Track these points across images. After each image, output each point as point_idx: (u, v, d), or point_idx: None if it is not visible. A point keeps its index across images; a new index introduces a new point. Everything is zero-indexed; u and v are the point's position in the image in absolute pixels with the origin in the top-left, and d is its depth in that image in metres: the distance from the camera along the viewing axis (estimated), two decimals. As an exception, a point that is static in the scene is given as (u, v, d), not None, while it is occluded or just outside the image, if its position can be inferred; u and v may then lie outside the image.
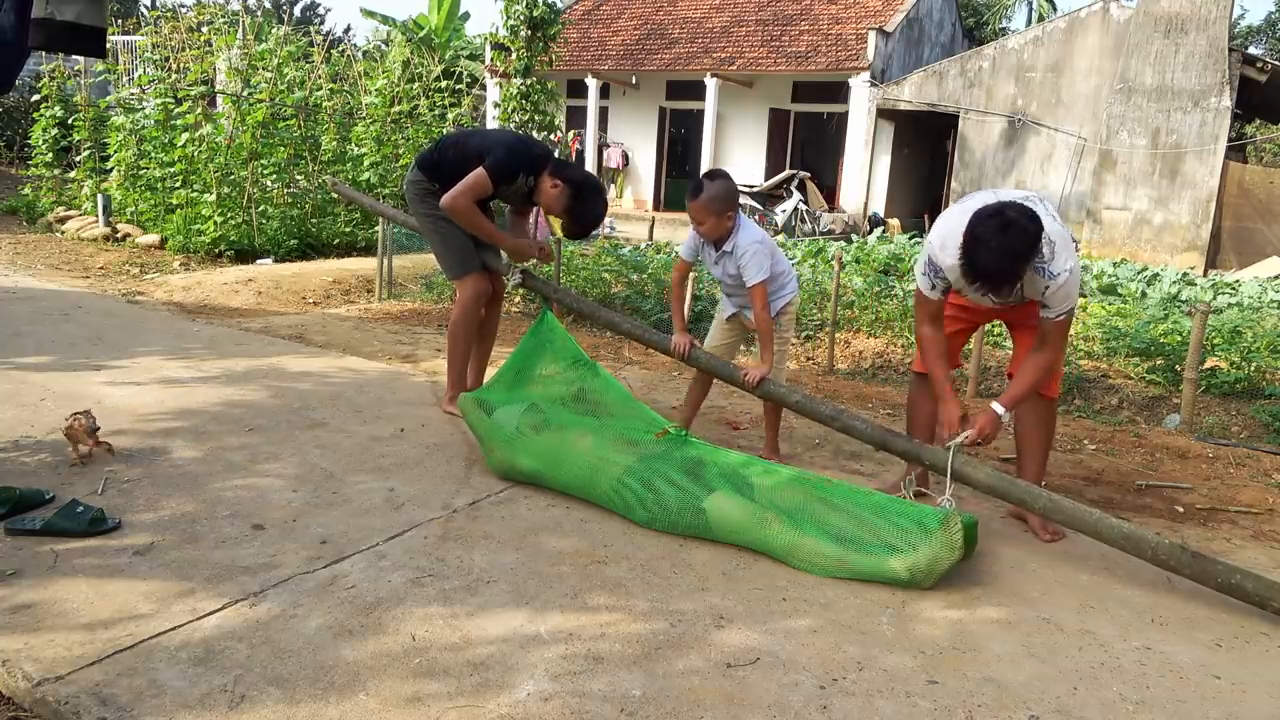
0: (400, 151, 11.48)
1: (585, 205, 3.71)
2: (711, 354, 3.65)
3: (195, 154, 9.49)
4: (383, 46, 24.82)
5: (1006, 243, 2.59)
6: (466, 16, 22.39)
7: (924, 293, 3.02)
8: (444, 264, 4.09)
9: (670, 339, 3.59)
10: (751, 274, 3.40)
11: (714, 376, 3.67)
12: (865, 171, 17.98)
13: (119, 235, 9.98)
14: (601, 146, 20.40)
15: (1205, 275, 12.33)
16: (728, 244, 3.45)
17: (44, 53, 6.81)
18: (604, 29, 20.47)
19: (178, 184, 9.73)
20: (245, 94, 9.81)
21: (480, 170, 3.66)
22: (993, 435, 2.92)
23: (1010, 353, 3.68)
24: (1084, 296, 8.11)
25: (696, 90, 18.69)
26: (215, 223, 9.23)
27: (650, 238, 14.61)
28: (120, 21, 13.29)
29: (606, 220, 15.75)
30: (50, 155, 11.42)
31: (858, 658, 2.22)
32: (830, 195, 18.65)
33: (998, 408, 2.88)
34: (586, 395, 3.47)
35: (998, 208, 2.66)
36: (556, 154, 3.93)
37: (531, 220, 4.17)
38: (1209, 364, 5.62)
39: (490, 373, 4.10)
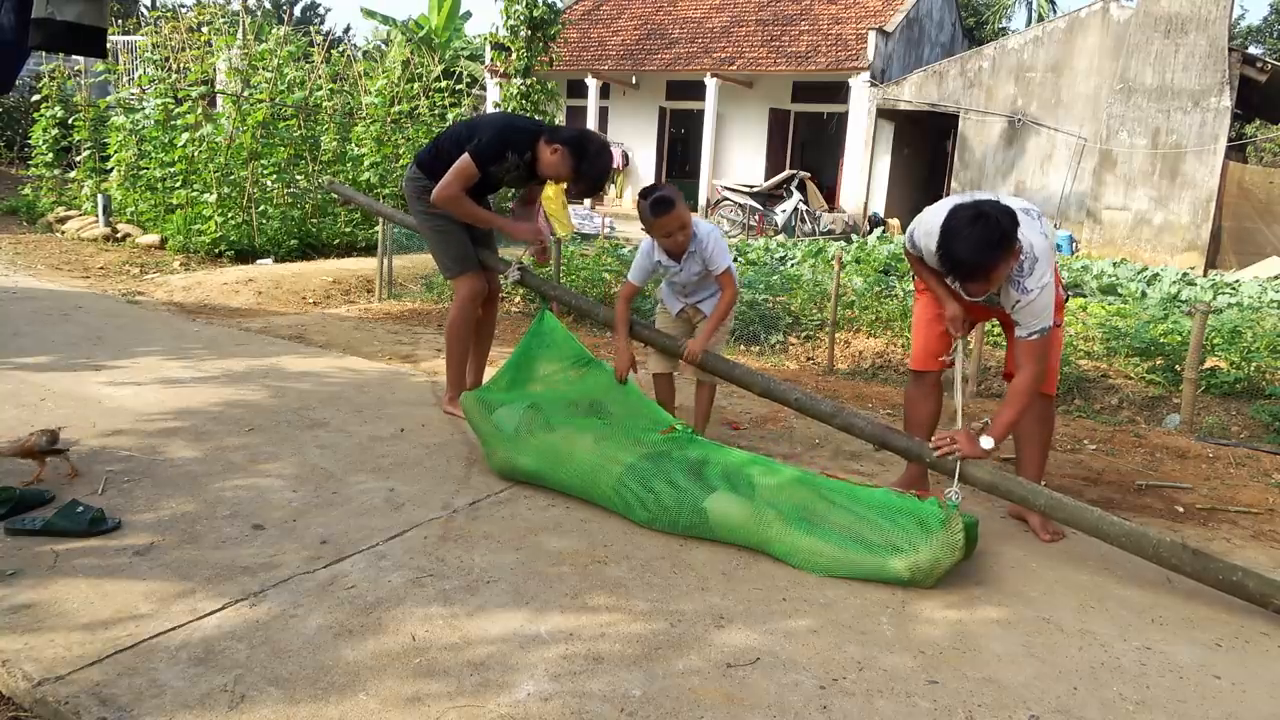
0: (400, 152, 11.47)
1: (589, 160, 3.62)
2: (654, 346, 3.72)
3: (195, 154, 9.48)
4: (383, 46, 24.83)
5: (977, 234, 2.65)
6: (468, 16, 22.39)
7: (909, 251, 3.23)
8: (441, 263, 4.08)
9: (680, 343, 3.62)
10: (720, 260, 3.51)
11: (663, 352, 3.77)
12: (865, 171, 17.98)
13: (119, 235, 9.98)
14: (601, 146, 20.36)
15: (1205, 275, 12.33)
16: (691, 243, 3.52)
17: (44, 53, 6.82)
18: (604, 29, 20.47)
19: (178, 184, 9.73)
20: (245, 94, 9.81)
21: (465, 156, 3.62)
22: (969, 454, 2.85)
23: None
24: (1083, 296, 8.11)
25: (696, 90, 18.69)
26: (215, 223, 9.22)
27: (650, 238, 14.57)
28: (120, 21, 13.29)
29: (607, 220, 15.74)
30: (50, 155, 11.42)
31: (858, 658, 2.22)
32: (830, 195, 18.65)
33: (985, 441, 2.85)
34: (589, 393, 3.47)
35: (975, 203, 2.75)
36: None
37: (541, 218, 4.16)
38: (1209, 364, 5.62)
39: (490, 372, 4.10)
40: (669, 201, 3.41)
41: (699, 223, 3.53)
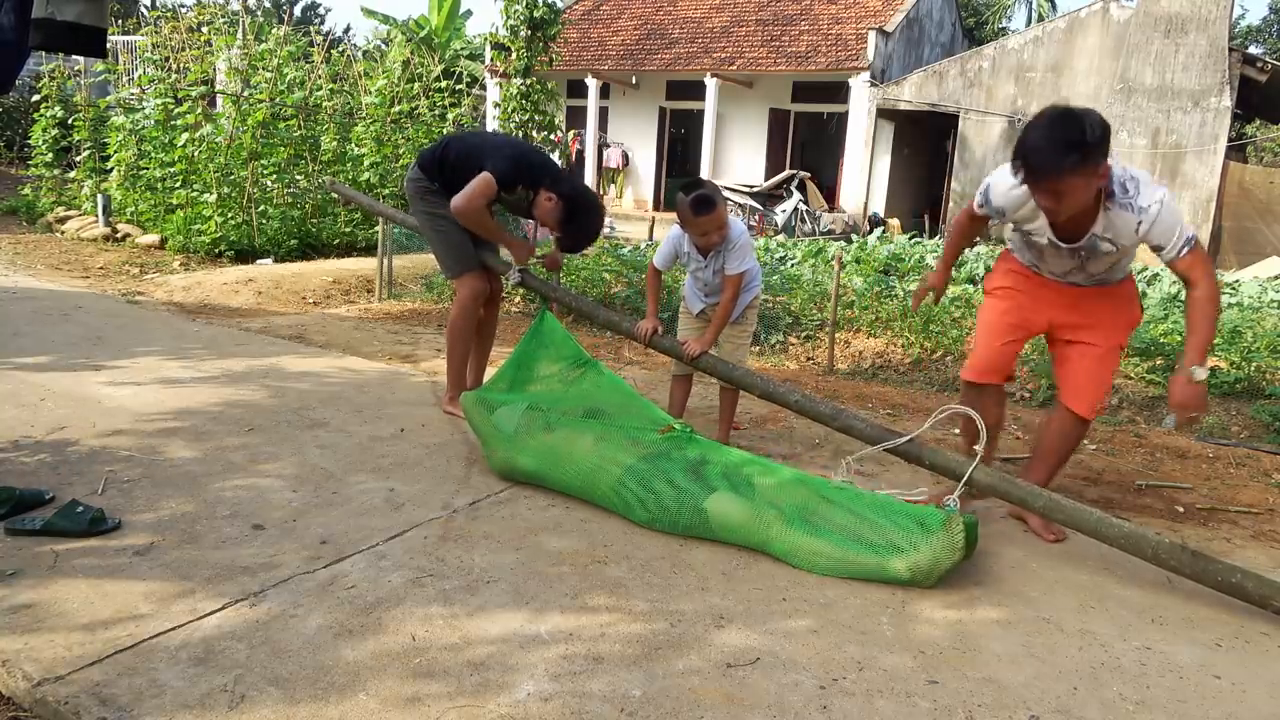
0: (400, 152, 11.47)
1: (577, 222, 3.72)
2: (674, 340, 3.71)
3: (195, 154, 9.48)
4: (383, 46, 24.83)
5: (1060, 125, 2.42)
6: (468, 15, 22.41)
7: (973, 207, 2.99)
8: (442, 263, 4.09)
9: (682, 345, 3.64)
10: (735, 264, 3.52)
11: (670, 356, 3.77)
12: (865, 171, 17.99)
13: (119, 235, 9.98)
14: (601, 146, 20.41)
15: (1205, 275, 12.28)
16: (720, 244, 3.53)
17: (44, 53, 6.84)
18: (604, 29, 20.48)
19: (178, 184, 9.73)
20: (245, 94, 9.81)
21: (488, 175, 3.66)
22: (1194, 403, 2.63)
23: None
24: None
25: (696, 90, 18.70)
26: (215, 223, 9.23)
27: (650, 238, 14.62)
28: (120, 21, 13.29)
29: (606, 220, 15.71)
30: (50, 155, 11.42)
31: (858, 658, 2.22)
32: (830, 195, 18.66)
33: (1191, 370, 2.61)
34: (588, 394, 3.47)
35: (1070, 106, 2.51)
36: (557, 157, 3.95)
37: (533, 225, 4.19)
38: (1209, 364, 5.61)
39: (490, 373, 4.10)
40: (710, 202, 3.42)
41: (733, 223, 3.54)
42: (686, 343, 3.60)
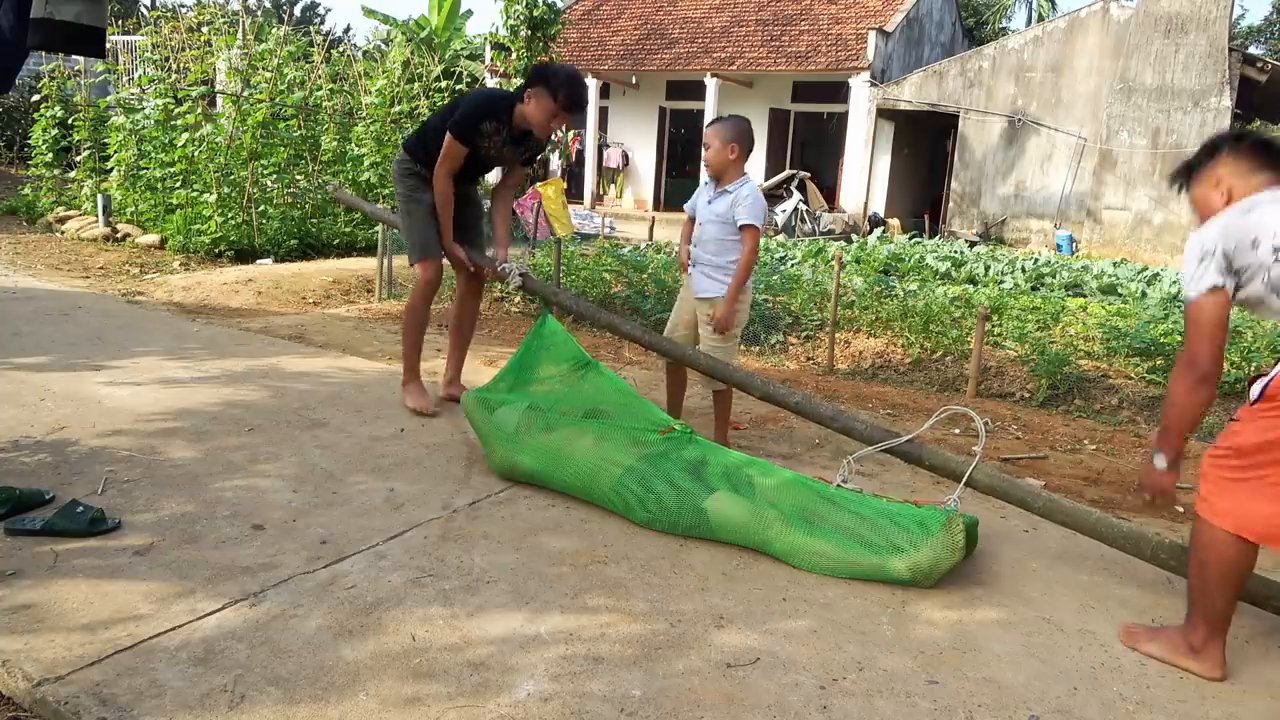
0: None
1: (565, 88, 3.64)
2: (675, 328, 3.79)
3: (195, 154, 9.49)
4: (383, 46, 24.83)
5: None
6: (468, 15, 22.39)
7: (1209, 287, 2.21)
8: (406, 244, 4.14)
9: (685, 350, 3.67)
10: (745, 215, 3.55)
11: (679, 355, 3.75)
12: (865, 171, 17.99)
13: (119, 235, 9.98)
14: (601, 146, 20.41)
15: (1205, 275, 12.29)
16: (731, 185, 3.60)
17: (44, 53, 6.84)
18: (604, 29, 20.48)
19: (178, 184, 9.73)
20: (245, 94, 9.81)
21: (448, 135, 3.70)
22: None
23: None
24: (1084, 296, 8.11)
25: (696, 90, 18.70)
26: (215, 223, 9.22)
27: (650, 238, 14.61)
28: (120, 21, 13.30)
29: (607, 220, 15.66)
30: (50, 155, 11.41)
31: (858, 658, 2.22)
32: (830, 195, 18.66)
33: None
34: (588, 395, 3.47)
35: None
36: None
37: (532, 219, 4.18)
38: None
39: (489, 372, 4.10)
40: (722, 119, 3.66)
41: (752, 185, 3.62)
42: (714, 312, 3.63)
